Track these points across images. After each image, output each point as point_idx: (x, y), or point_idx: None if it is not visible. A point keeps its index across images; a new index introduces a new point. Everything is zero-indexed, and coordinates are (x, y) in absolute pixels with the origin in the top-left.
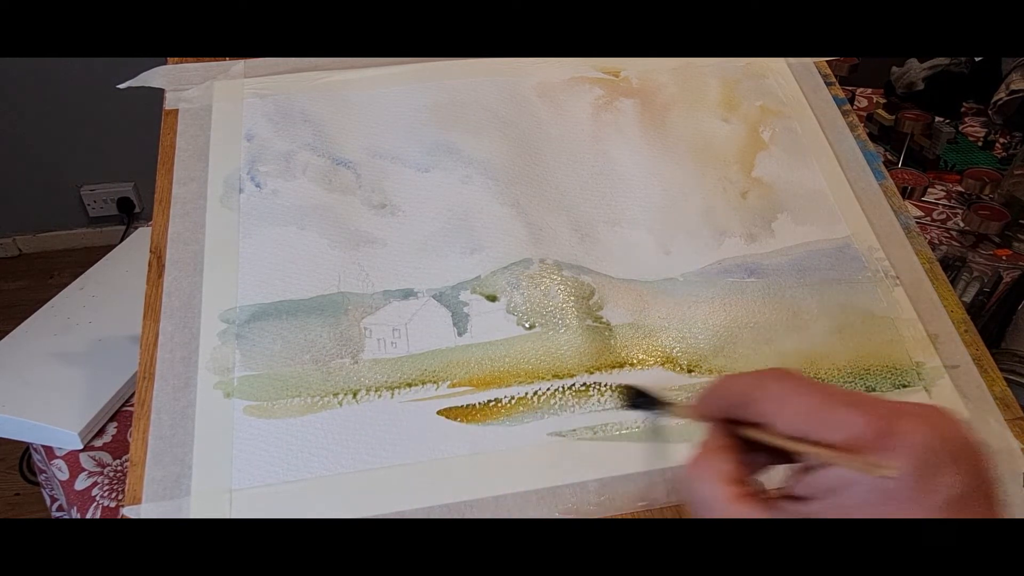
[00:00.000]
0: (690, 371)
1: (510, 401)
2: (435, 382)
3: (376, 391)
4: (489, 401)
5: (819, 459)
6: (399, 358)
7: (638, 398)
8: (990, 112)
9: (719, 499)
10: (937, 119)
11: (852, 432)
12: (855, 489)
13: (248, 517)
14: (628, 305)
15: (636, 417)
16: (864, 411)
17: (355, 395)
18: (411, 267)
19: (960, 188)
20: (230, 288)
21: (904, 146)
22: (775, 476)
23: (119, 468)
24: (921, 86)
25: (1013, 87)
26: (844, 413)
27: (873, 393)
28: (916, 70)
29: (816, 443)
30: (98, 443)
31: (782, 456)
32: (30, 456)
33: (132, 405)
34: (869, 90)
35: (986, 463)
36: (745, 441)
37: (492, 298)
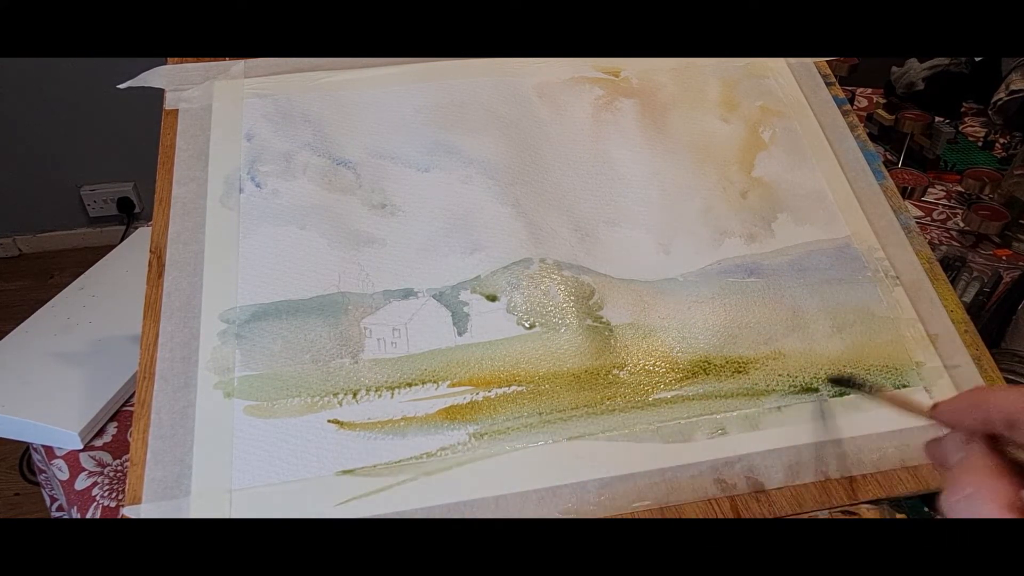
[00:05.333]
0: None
1: (510, 401)
2: (435, 382)
3: (376, 391)
4: (489, 401)
5: None
6: (399, 358)
7: (841, 380)
8: (990, 112)
9: None
10: (937, 119)
11: None
12: None
13: (248, 517)
14: (628, 305)
15: (638, 418)
16: None
17: (355, 395)
18: (411, 267)
19: (960, 188)
20: (230, 288)
21: (904, 146)
22: None
23: (119, 468)
24: (921, 86)
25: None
26: None
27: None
28: (916, 70)
29: None
30: (98, 443)
31: None
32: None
33: (132, 405)
34: (869, 90)
35: None
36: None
37: (492, 298)
